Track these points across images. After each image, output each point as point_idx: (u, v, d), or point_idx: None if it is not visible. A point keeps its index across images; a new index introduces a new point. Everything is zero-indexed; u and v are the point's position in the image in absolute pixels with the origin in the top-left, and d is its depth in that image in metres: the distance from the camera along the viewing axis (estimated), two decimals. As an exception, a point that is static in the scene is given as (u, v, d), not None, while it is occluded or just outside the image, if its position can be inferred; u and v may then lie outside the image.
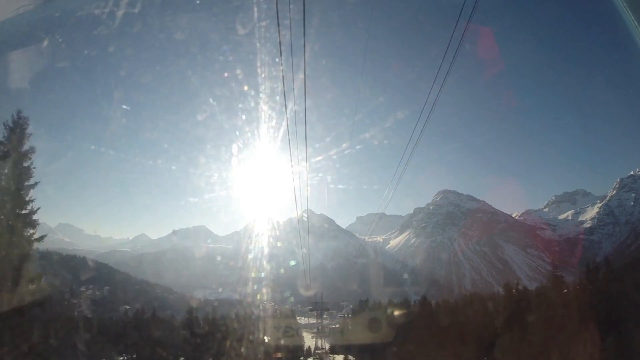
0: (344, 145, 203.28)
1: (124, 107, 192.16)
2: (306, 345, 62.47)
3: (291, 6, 5.49)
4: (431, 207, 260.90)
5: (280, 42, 5.62)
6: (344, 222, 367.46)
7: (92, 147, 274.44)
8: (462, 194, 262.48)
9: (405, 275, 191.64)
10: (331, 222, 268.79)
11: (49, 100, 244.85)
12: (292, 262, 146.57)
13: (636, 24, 4.52)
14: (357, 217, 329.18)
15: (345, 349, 59.71)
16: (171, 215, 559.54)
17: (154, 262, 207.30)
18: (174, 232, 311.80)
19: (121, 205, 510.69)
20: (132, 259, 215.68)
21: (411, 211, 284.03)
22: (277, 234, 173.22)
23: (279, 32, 5.49)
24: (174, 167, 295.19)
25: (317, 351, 62.59)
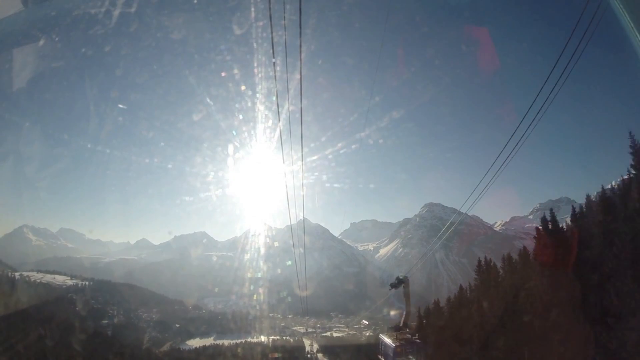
0: (339, 144, 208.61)
1: (121, 106, 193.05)
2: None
3: (287, 6, 5.63)
4: (417, 219, 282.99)
5: (273, 42, 5.66)
6: (338, 228, 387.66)
7: (89, 146, 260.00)
8: (446, 206, 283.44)
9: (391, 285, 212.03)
10: (326, 231, 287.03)
11: (45, 100, 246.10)
12: (289, 262, 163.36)
13: (632, 25, 4.67)
14: (351, 224, 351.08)
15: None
16: (170, 219, 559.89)
17: (163, 272, 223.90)
18: (175, 239, 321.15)
19: (120, 209, 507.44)
20: (142, 270, 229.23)
21: (401, 219, 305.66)
22: (274, 234, 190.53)
23: (271, 31, 5.56)
24: (170, 166, 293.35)
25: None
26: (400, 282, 21.42)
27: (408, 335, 18.62)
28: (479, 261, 33.06)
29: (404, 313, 20.50)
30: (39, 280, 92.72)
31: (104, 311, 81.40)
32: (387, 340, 18.75)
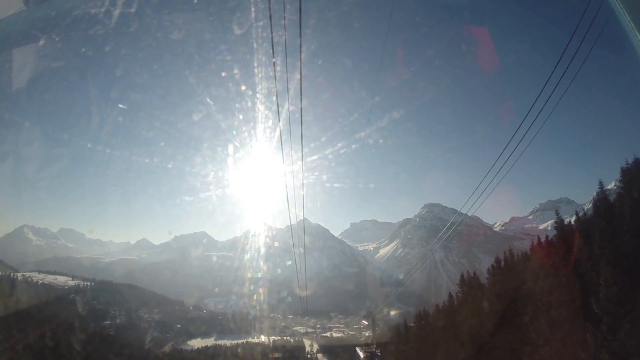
0: (339, 144, 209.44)
1: (121, 106, 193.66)
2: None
3: (287, 6, 5.62)
4: (417, 220, 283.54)
5: (273, 42, 5.70)
6: (338, 229, 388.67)
7: (89, 146, 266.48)
8: (446, 207, 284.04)
9: (391, 285, 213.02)
10: (326, 231, 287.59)
11: (45, 100, 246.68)
12: (289, 262, 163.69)
13: (632, 25, 4.57)
14: (351, 224, 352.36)
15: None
16: (170, 219, 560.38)
17: (164, 272, 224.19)
18: (175, 239, 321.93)
19: (120, 209, 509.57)
20: (142, 270, 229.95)
21: (401, 220, 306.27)
22: (274, 234, 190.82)
23: (271, 31, 5.59)
24: (170, 166, 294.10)
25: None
26: (369, 314, 36.50)
27: (373, 349, 27.51)
28: (462, 275, 33.55)
29: (372, 334, 32.03)
30: (40, 281, 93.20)
31: (106, 312, 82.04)
32: (359, 352, 27.31)
